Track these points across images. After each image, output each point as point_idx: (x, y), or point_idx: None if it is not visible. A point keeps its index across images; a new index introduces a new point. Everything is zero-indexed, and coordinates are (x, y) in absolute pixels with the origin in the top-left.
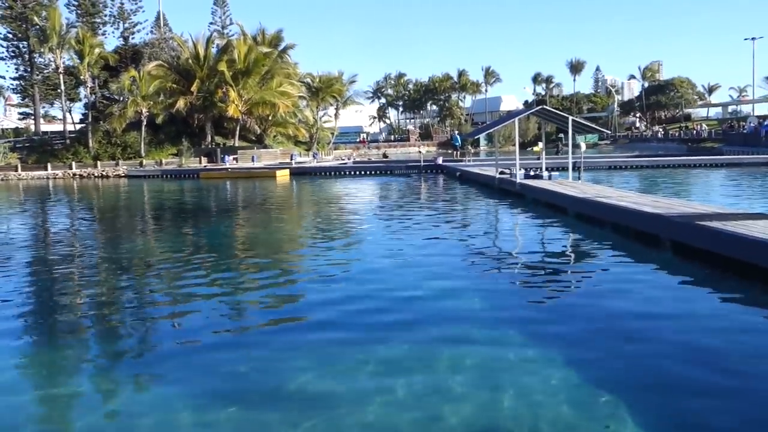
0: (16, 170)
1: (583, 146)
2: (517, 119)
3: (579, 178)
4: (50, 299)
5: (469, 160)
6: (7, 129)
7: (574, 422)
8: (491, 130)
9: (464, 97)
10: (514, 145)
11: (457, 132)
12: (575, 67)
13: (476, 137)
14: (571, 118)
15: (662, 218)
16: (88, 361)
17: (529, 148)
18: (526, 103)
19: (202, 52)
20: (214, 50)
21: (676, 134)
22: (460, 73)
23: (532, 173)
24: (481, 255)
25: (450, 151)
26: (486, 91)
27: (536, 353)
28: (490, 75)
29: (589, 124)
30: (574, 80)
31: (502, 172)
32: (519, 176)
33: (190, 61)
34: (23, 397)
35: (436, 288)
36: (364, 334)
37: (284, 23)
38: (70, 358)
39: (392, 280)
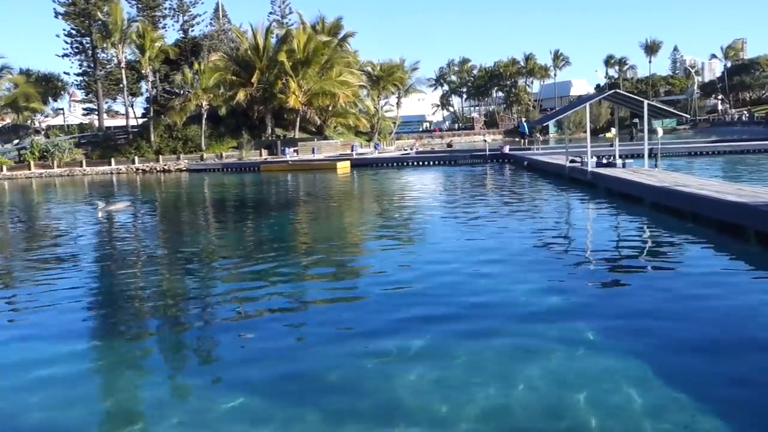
0: (81, 166)
1: (660, 131)
2: (588, 104)
3: (656, 166)
4: (116, 293)
5: (537, 149)
6: (71, 125)
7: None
8: (561, 117)
9: (532, 83)
10: (585, 131)
11: (524, 119)
12: (651, 48)
13: (545, 124)
14: (646, 101)
15: (747, 207)
16: (151, 355)
17: (601, 135)
18: (597, 87)
19: (261, 42)
20: (273, 40)
21: (763, 117)
22: (527, 57)
23: (604, 161)
24: (551, 248)
25: (517, 140)
26: (555, 75)
27: (612, 350)
28: (559, 58)
29: (666, 107)
30: (650, 62)
31: (572, 161)
32: (590, 164)
33: (249, 52)
34: (89, 389)
35: (504, 282)
36: (428, 331)
37: (343, 11)
38: (134, 352)
39: (457, 275)
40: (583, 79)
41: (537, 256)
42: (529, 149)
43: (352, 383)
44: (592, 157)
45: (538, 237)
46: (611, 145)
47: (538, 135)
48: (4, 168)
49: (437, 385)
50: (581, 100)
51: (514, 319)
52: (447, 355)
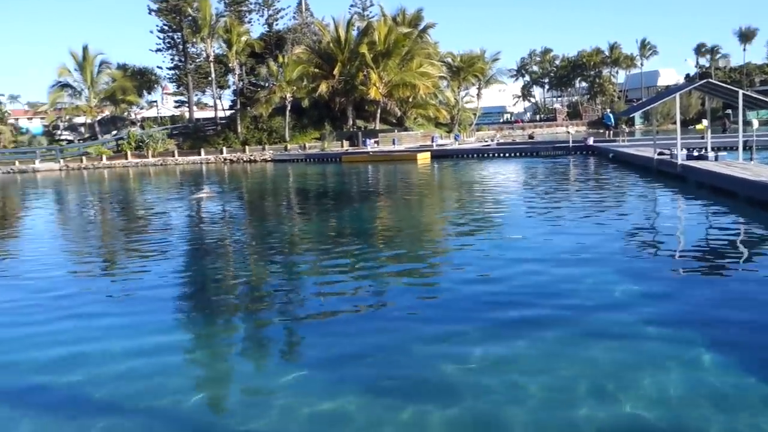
0: (173, 156)
1: (756, 123)
2: (678, 94)
3: (751, 159)
4: (203, 282)
5: (623, 140)
6: (164, 117)
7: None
8: (648, 108)
9: (617, 73)
10: (674, 123)
11: (609, 110)
12: (745, 36)
13: (631, 115)
14: (741, 91)
15: None
16: (236, 347)
17: (691, 127)
18: (687, 77)
19: (343, 35)
20: (354, 33)
21: None
22: (612, 47)
23: (695, 153)
24: (639, 244)
25: (601, 131)
26: (641, 65)
27: (706, 352)
28: (645, 47)
29: (762, 98)
30: (744, 50)
31: (661, 153)
32: (680, 157)
33: (331, 44)
34: (178, 379)
35: (592, 282)
36: (518, 335)
37: (424, 2)
38: (221, 343)
39: (543, 273)
40: (672, 68)
41: (625, 254)
42: (615, 141)
43: (436, 387)
44: (682, 150)
45: (625, 233)
46: (702, 137)
47: (623, 126)
48: (104, 157)
49: (529, 396)
50: (670, 90)
51: (611, 323)
52: (541, 362)
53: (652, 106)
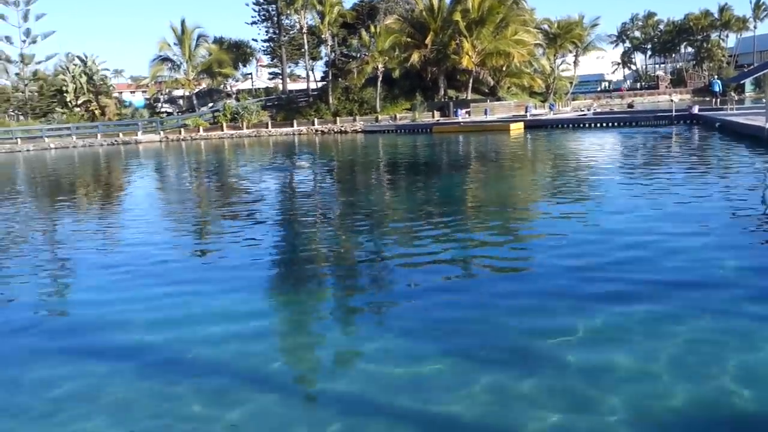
0: (267, 127)
1: None
2: None
3: None
4: (294, 251)
5: (731, 109)
6: (258, 89)
7: None
8: (760, 74)
9: (727, 36)
10: None
11: (716, 76)
12: None
13: (741, 82)
14: None
15: None
16: (326, 315)
17: None
18: None
19: (436, 3)
20: (448, 1)
21: None
22: (722, 8)
23: None
24: (747, 220)
25: (708, 99)
26: (755, 27)
27: None
28: (760, 8)
29: None
30: None
31: None
32: None
33: (424, 13)
34: (266, 346)
35: (696, 258)
36: (614, 312)
37: None
38: (310, 312)
39: (642, 247)
40: None
41: (731, 230)
42: (722, 109)
43: (524, 361)
44: None
45: (732, 208)
46: None
47: (732, 94)
48: (201, 129)
49: (614, 376)
50: None
51: (716, 301)
52: (637, 340)
53: (765, 71)
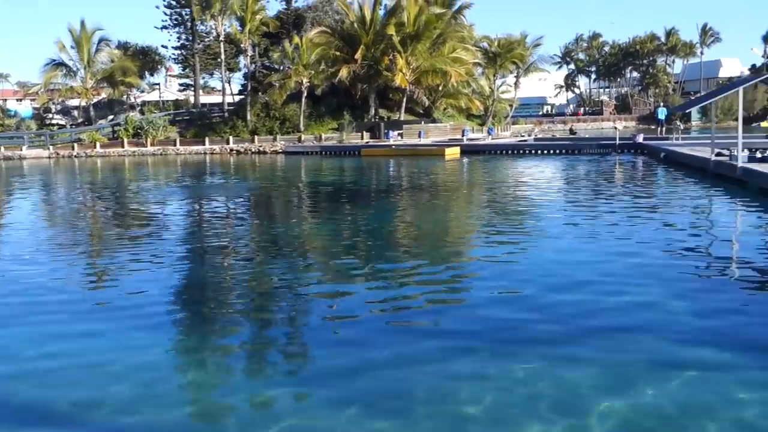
0: (175, 144)
1: None
2: (741, 88)
3: None
4: (202, 283)
5: (677, 138)
6: (167, 101)
7: None
8: (707, 102)
9: (673, 62)
10: (736, 119)
11: (662, 104)
12: None
13: (687, 110)
14: None
15: None
16: (235, 353)
17: (755, 124)
18: (753, 68)
19: (368, 14)
20: (381, 13)
21: None
22: (669, 32)
23: (758, 155)
24: (688, 258)
25: (653, 127)
26: (701, 53)
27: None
28: (707, 34)
29: None
30: None
31: (719, 154)
32: (741, 158)
33: (355, 25)
34: (171, 386)
35: (626, 296)
36: (541, 356)
37: None
38: (218, 348)
39: (579, 287)
40: (736, 58)
41: (673, 270)
42: (668, 139)
43: (441, 408)
44: (743, 150)
45: (674, 245)
46: (767, 137)
47: (678, 123)
48: (98, 145)
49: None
50: (733, 83)
51: (648, 348)
52: (560, 388)
53: (711, 100)
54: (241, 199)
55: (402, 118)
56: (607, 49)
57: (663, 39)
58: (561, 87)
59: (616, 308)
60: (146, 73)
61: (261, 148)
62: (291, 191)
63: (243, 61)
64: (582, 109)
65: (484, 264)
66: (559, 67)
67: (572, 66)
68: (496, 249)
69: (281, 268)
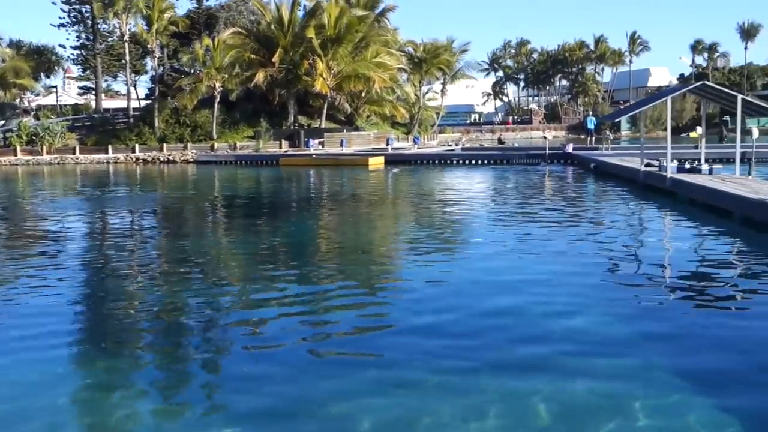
0: (74, 153)
1: (756, 132)
2: (669, 98)
3: (749, 174)
4: (103, 311)
5: (606, 149)
6: (65, 106)
7: None
8: (636, 111)
9: (602, 70)
10: (665, 130)
11: (591, 113)
12: (748, 33)
13: (616, 120)
14: (740, 96)
15: None
16: (142, 378)
17: (684, 134)
18: (681, 77)
19: (286, 16)
20: (300, 14)
21: None
22: (598, 40)
23: (687, 166)
24: (617, 269)
25: (582, 137)
26: (630, 62)
27: (678, 393)
28: (635, 42)
29: (763, 104)
30: (746, 49)
31: (648, 164)
32: (671, 169)
33: (272, 26)
34: (71, 414)
35: (558, 311)
36: (460, 374)
37: None
38: (123, 374)
39: (502, 301)
40: (665, 67)
41: (601, 282)
42: (597, 149)
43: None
44: (672, 161)
45: (603, 257)
46: (696, 147)
47: (607, 133)
48: None
49: None
50: (662, 92)
51: (571, 358)
52: (483, 407)
53: (640, 110)
54: (148, 214)
55: (323, 126)
56: (535, 56)
57: (592, 47)
58: (489, 95)
59: (550, 332)
60: (42, 74)
61: (170, 157)
62: (203, 204)
63: (150, 63)
64: (511, 117)
65: (412, 284)
66: (487, 74)
67: (500, 73)
68: (425, 268)
69: (192, 291)
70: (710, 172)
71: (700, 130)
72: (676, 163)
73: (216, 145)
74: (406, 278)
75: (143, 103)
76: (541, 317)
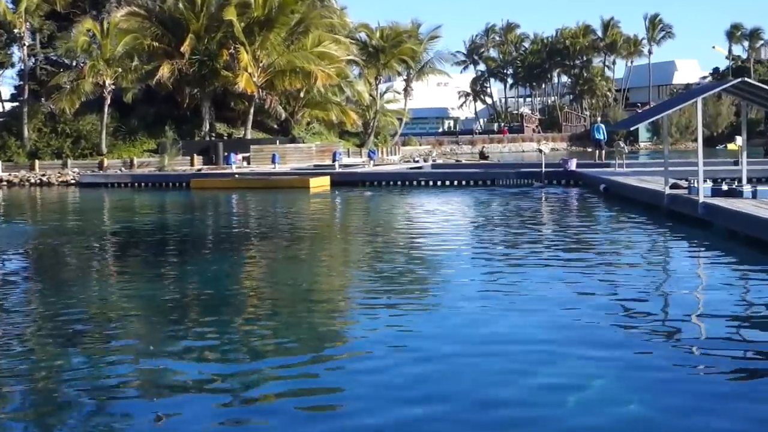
0: None
1: None
2: (700, 99)
3: None
4: None
5: (620, 165)
6: None
7: None
8: (658, 117)
9: (613, 63)
10: (695, 140)
11: (600, 119)
12: None
13: (633, 128)
14: None
15: None
16: None
17: (720, 146)
18: (715, 72)
19: None
20: None
21: None
22: (607, 24)
23: (725, 187)
24: (636, 325)
25: (589, 150)
26: (650, 52)
27: None
28: (656, 27)
29: None
30: None
31: (675, 186)
32: (703, 192)
33: (180, 5)
34: None
35: (558, 381)
36: None
37: None
38: None
39: (480, 370)
40: (694, 59)
41: (615, 342)
42: (608, 165)
43: None
44: (705, 181)
45: (618, 309)
46: (736, 163)
47: (621, 144)
48: None
49: None
50: (690, 92)
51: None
52: None
53: (663, 114)
54: (12, 255)
55: (249, 137)
56: (527, 44)
57: (600, 32)
58: (467, 95)
59: (547, 405)
60: None
61: (45, 178)
62: (88, 242)
63: (18, 52)
64: (497, 124)
65: (370, 354)
66: (465, 69)
67: (482, 67)
68: (385, 329)
69: (78, 356)
70: (754, 195)
71: (739, 140)
72: (710, 183)
73: (106, 161)
74: (359, 345)
75: (8, 106)
76: (547, 408)
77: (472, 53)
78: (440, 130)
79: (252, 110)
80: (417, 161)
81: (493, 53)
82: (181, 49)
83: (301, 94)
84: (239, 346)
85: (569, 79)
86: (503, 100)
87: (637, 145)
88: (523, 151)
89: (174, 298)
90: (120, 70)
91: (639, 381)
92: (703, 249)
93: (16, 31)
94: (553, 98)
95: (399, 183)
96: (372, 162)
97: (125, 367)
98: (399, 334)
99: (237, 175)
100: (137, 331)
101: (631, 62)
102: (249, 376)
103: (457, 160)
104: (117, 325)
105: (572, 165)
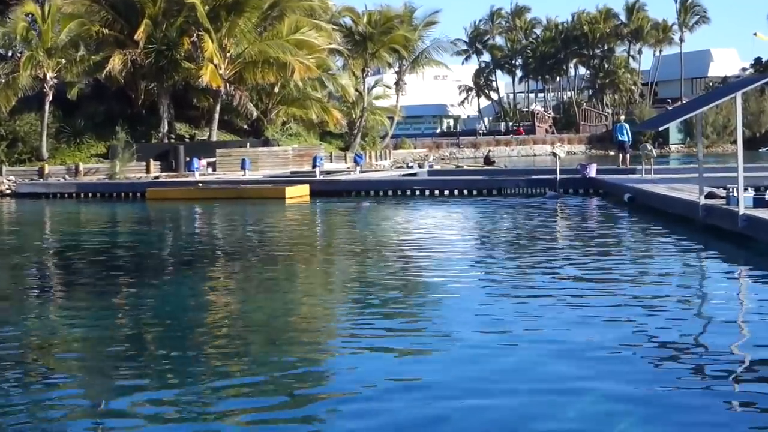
0: None
1: None
2: (740, 93)
3: None
4: None
5: (648, 171)
6: None
7: None
8: (691, 115)
9: (639, 53)
10: (735, 142)
11: (624, 118)
12: None
13: (662, 128)
14: None
15: None
16: None
17: (763, 149)
18: (757, 63)
19: None
20: None
21: None
22: (632, 8)
23: None
24: (669, 356)
25: (612, 154)
26: (682, 40)
27: None
28: (688, 11)
29: None
30: None
31: (711, 195)
32: (744, 202)
33: None
34: None
35: (577, 417)
36: None
37: None
38: None
39: (491, 407)
40: (732, 48)
41: (639, 368)
42: (633, 171)
43: None
44: (747, 190)
45: (647, 335)
46: None
47: (649, 147)
48: None
49: None
50: (729, 86)
51: None
52: None
53: (697, 112)
54: None
55: (214, 139)
56: (538, 31)
57: (623, 17)
58: (470, 90)
59: None
60: None
61: None
62: (27, 262)
63: None
64: (520, 124)
65: (351, 385)
66: (467, 59)
67: (486, 57)
68: (376, 368)
69: (12, 396)
70: None
71: None
72: (752, 192)
73: (47, 168)
74: (343, 386)
75: None
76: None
77: (475, 41)
78: (438, 130)
79: (218, 108)
80: (411, 167)
81: (499, 41)
82: (135, 36)
83: (276, 90)
84: (202, 388)
85: (588, 72)
86: (511, 95)
87: (667, 148)
88: (535, 155)
89: (126, 330)
90: (63, 61)
91: (671, 425)
92: (743, 267)
93: None
94: (569, 94)
95: (390, 192)
96: (358, 168)
97: (65, 411)
98: (391, 372)
99: (200, 184)
100: (82, 368)
101: (660, 52)
102: (212, 422)
103: (457, 166)
104: (58, 360)
105: (591, 171)
